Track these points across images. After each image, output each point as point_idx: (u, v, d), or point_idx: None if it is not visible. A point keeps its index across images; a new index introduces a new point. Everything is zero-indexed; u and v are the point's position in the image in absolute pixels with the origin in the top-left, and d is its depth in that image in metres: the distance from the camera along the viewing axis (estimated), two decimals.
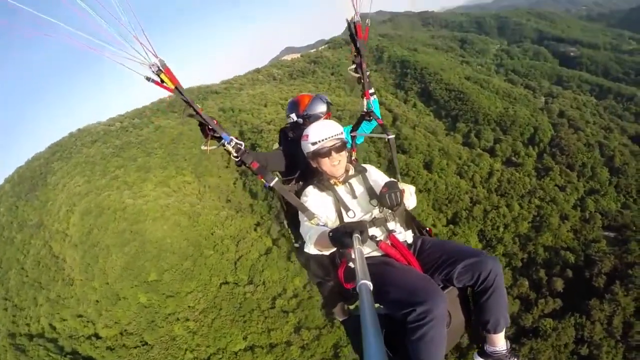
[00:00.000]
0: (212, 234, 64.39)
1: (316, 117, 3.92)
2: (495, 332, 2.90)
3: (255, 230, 66.74)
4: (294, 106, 4.05)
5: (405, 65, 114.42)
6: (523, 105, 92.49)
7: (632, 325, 46.19)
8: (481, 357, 3.02)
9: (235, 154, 3.13)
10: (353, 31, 3.64)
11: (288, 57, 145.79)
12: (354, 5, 3.50)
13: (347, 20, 3.62)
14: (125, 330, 54.12)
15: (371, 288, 1.47)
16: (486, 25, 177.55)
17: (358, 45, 3.72)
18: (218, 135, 3.08)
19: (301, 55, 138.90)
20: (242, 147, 3.16)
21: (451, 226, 64.87)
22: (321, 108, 4.01)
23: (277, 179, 3.20)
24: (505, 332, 2.95)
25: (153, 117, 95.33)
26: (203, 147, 3.13)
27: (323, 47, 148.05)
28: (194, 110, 2.91)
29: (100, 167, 79.07)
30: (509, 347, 2.97)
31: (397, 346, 2.65)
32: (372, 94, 4.06)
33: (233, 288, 58.00)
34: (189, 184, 76.35)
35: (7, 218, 78.73)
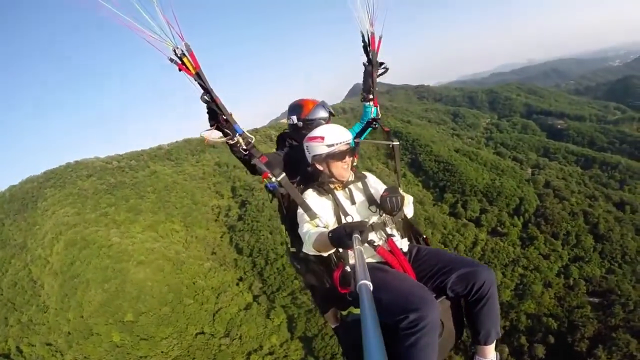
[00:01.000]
0: (193, 283, 64.48)
1: (317, 123, 3.94)
2: (485, 344, 2.96)
3: (237, 284, 67.29)
4: (297, 109, 4.09)
5: (398, 137, 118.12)
6: (510, 177, 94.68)
7: None
8: None
9: (244, 147, 3.23)
10: (367, 42, 3.95)
11: (286, 120, 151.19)
12: (369, 18, 3.83)
13: (361, 32, 3.91)
14: None
15: (371, 288, 1.45)
16: (478, 100, 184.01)
17: (370, 55, 4.00)
18: (225, 129, 3.19)
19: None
20: (252, 142, 3.28)
21: None
22: (323, 115, 4.07)
23: (284, 174, 3.27)
24: (496, 344, 3.02)
25: (150, 162, 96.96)
26: (204, 134, 3.20)
27: None
28: (212, 97, 3.02)
29: (92, 201, 79.38)
30: (498, 358, 3.04)
31: (388, 355, 1.92)
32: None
33: (209, 339, 57.59)
34: (177, 232, 76.99)
35: None
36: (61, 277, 62.11)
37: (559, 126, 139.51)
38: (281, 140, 4.33)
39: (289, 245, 3.68)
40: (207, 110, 3.16)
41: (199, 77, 2.93)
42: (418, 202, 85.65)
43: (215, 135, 3.21)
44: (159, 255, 67.90)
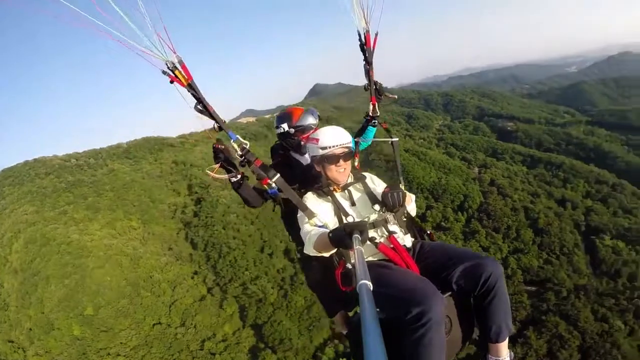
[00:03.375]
0: (150, 277, 67.73)
1: (308, 128, 4.15)
2: (497, 341, 2.83)
3: (192, 278, 70.92)
4: (287, 117, 4.21)
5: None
6: (456, 175, 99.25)
7: None
8: None
9: (239, 153, 3.33)
10: (363, 40, 3.91)
11: (244, 120, 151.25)
12: (364, 17, 3.80)
13: (357, 30, 3.87)
14: None
15: (371, 288, 1.45)
16: (433, 103, 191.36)
17: (367, 54, 3.98)
18: (228, 167, 3.47)
19: (256, 119, 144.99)
20: (247, 147, 3.35)
21: None
22: (313, 121, 4.20)
23: (279, 175, 3.34)
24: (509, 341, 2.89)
25: (108, 160, 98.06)
26: (208, 172, 3.43)
27: (278, 113, 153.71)
28: (204, 106, 3.16)
29: (51, 199, 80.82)
30: (512, 357, 2.90)
31: (390, 353, 1.87)
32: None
33: (165, 328, 61.20)
34: (135, 229, 79.58)
35: None
36: (21, 275, 64.21)
37: (508, 128, 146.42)
38: (274, 151, 4.54)
39: (297, 250, 3.85)
40: (213, 154, 3.45)
41: (191, 87, 3.05)
42: None
43: (220, 172, 3.45)
44: (117, 251, 70.61)
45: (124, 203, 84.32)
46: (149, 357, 57.30)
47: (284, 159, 4.39)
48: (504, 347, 2.86)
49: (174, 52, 2.92)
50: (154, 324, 61.78)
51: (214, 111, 3.23)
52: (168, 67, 2.95)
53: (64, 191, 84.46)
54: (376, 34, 3.93)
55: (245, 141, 3.37)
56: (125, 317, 61.05)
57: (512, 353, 2.92)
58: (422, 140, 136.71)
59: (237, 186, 3.61)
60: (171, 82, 3.00)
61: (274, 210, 3.95)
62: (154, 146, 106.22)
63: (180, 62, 2.97)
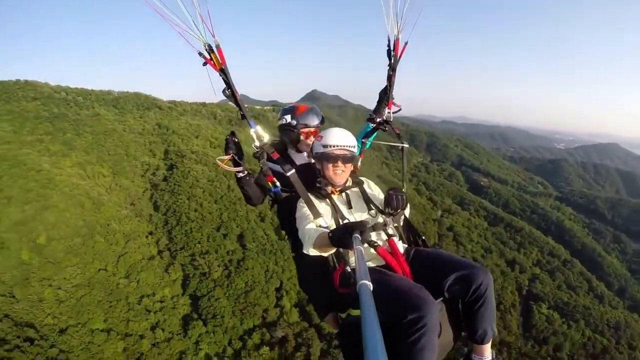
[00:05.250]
0: (108, 225, 69.71)
1: (310, 125, 4.08)
2: (482, 343, 2.98)
3: (146, 237, 73.33)
4: (291, 110, 4.11)
5: None
6: (418, 213, 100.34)
7: None
8: None
9: (257, 143, 3.46)
10: (392, 47, 3.99)
11: (232, 103, 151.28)
12: (397, 24, 3.86)
13: (387, 36, 3.93)
14: None
15: (371, 288, 1.44)
16: (418, 139, 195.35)
17: (392, 59, 4.06)
18: (238, 160, 3.58)
19: (247, 106, 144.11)
20: (265, 139, 3.48)
21: None
22: (315, 120, 4.13)
23: (294, 170, 3.43)
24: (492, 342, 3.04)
25: (96, 103, 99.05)
26: (218, 162, 3.52)
27: (268, 107, 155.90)
28: (232, 93, 3.28)
29: (31, 124, 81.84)
30: (494, 356, 3.04)
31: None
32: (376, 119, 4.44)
33: (110, 276, 63.19)
34: (104, 177, 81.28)
35: None
36: None
37: (482, 183, 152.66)
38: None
39: (291, 250, 3.92)
40: (225, 145, 3.62)
41: (223, 72, 3.16)
42: None
43: (229, 164, 3.54)
44: (83, 192, 72.36)
45: (100, 149, 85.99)
46: (88, 297, 58.91)
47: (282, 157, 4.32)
48: (487, 348, 3.01)
49: (213, 36, 3.04)
50: (99, 269, 63.55)
51: (240, 99, 3.40)
52: (205, 49, 3.10)
53: (46, 120, 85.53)
54: (405, 43, 4.04)
55: (264, 133, 3.53)
56: (74, 255, 62.75)
57: (493, 352, 3.05)
58: (397, 172, 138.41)
59: (243, 182, 3.72)
60: (204, 64, 3.14)
61: (271, 209, 4.01)
62: (143, 103, 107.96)
63: (218, 47, 3.10)
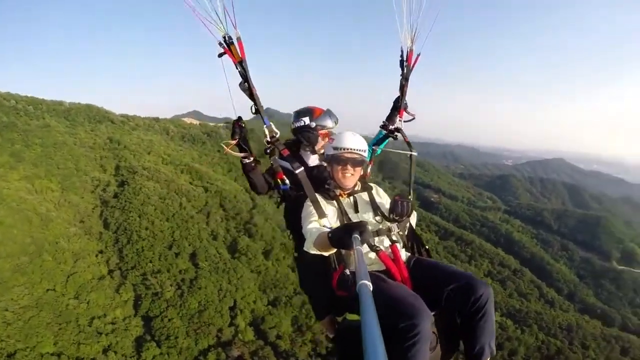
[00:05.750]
0: (56, 243, 68.00)
1: (327, 127, 4.18)
2: None
3: (96, 255, 71.90)
4: (308, 112, 4.15)
5: None
6: None
7: None
8: None
9: (268, 139, 3.52)
10: (405, 57, 4.14)
11: (188, 120, 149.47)
12: (412, 35, 3.96)
13: (401, 47, 4.04)
14: None
15: (371, 288, 1.43)
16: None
17: (405, 70, 4.19)
18: (243, 146, 3.62)
19: (199, 123, 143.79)
20: (277, 136, 3.54)
21: (270, 307, 71.52)
22: (331, 122, 4.20)
23: (302, 168, 3.48)
24: None
25: (47, 114, 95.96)
26: (224, 146, 3.54)
27: (222, 124, 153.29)
28: (249, 86, 3.28)
29: None
30: None
31: None
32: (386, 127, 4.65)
33: (58, 297, 61.64)
34: (52, 192, 79.08)
35: None
36: None
37: (432, 199, 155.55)
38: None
39: (294, 250, 3.93)
40: (232, 129, 3.62)
41: (241, 65, 3.17)
42: (278, 227, 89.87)
43: (234, 149, 3.57)
44: (30, 207, 70.36)
45: (49, 162, 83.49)
46: (36, 319, 57.32)
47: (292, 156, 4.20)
48: None
49: (235, 28, 3.07)
50: (48, 289, 61.94)
51: (256, 93, 3.40)
52: (225, 41, 3.15)
53: None
54: (418, 54, 4.20)
55: (276, 130, 3.63)
56: (22, 275, 61.08)
57: None
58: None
59: (248, 168, 3.79)
60: (220, 55, 3.19)
61: (278, 207, 4.09)
62: (95, 116, 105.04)
63: (239, 39, 3.15)
